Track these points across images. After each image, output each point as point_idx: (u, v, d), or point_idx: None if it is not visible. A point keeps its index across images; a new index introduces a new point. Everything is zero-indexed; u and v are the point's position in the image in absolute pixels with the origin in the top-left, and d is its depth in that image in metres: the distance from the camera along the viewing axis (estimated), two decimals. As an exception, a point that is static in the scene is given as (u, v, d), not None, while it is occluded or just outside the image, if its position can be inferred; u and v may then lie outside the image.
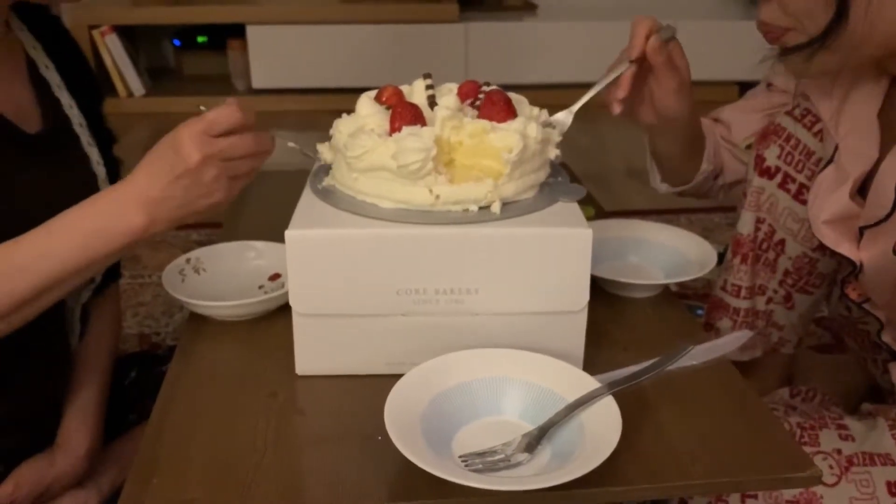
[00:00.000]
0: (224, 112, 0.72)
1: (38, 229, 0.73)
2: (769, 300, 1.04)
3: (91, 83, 1.01)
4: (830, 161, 0.91)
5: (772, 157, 0.98)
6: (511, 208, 0.76)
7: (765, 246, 1.01)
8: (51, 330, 0.91)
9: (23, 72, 0.91)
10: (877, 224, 0.84)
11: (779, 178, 0.97)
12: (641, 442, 0.69)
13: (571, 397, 0.69)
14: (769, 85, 1.06)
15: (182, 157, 0.71)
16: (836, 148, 0.90)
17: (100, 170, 0.97)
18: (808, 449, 0.86)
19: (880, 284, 0.88)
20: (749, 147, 1.05)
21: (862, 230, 0.86)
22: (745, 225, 1.02)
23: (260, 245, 0.97)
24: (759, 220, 1.01)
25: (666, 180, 1.12)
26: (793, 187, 0.97)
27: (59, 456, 0.94)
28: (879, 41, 0.78)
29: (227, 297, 0.87)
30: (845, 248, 0.88)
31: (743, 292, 1.03)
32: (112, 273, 1.07)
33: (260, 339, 0.85)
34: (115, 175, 1.01)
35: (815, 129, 0.95)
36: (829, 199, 0.89)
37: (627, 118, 0.97)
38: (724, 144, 1.11)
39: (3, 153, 0.83)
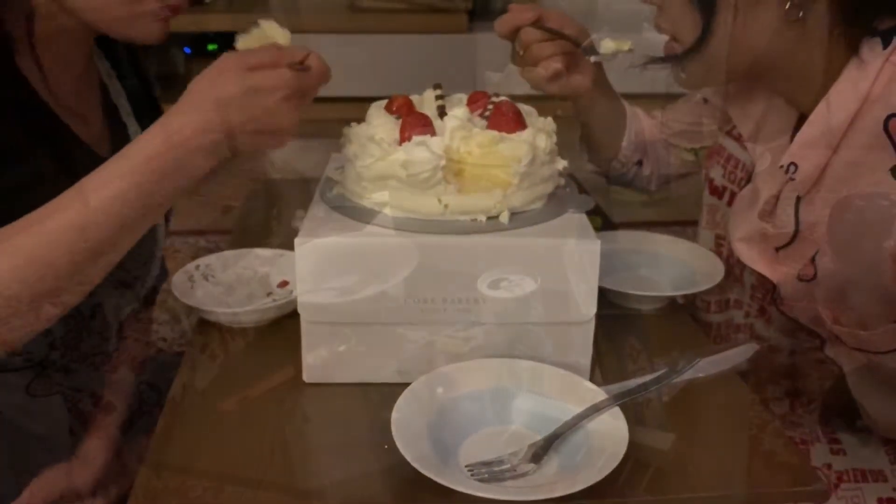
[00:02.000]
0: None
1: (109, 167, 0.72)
2: (747, 314, 1.04)
3: (156, 111, 1.04)
4: (749, 181, 0.92)
5: (718, 176, 1.00)
6: (519, 219, 0.77)
7: (731, 262, 1.01)
8: (94, 345, 0.93)
9: (98, 98, 0.95)
10: (786, 246, 0.85)
11: (727, 196, 0.99)
12: (647, 453, 0.68)
13: (578, 408, 0.69)
14: (706, 100, 1.08)
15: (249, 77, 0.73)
16: (754, 168, 0.92)
17: None
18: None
19: (796, 305, 0.88)
20: (694, 152, 1.09)
21: (778, 250, 0.87)
22: (705, 242, 1.03)
23: (269, 252, 0.97)
24: (719, 237, 1.02)
25: (592, 161, 1.18)
26: None
27: (77, 469, 0.94)
28: (745, 56, 0.81)
29: (235, 303, 0.88)
30: (761, 267, 0.90)
31: (712, 307, 1.03)
32: (149, 297, 1.10)
33: (268, 346, 0.85)
34: None
35: None
36: (743, 218, 0.91)
37: (566, 93, 1.06)
38: (661, 140, 1.15)
39: (82, 176, 0.85)
